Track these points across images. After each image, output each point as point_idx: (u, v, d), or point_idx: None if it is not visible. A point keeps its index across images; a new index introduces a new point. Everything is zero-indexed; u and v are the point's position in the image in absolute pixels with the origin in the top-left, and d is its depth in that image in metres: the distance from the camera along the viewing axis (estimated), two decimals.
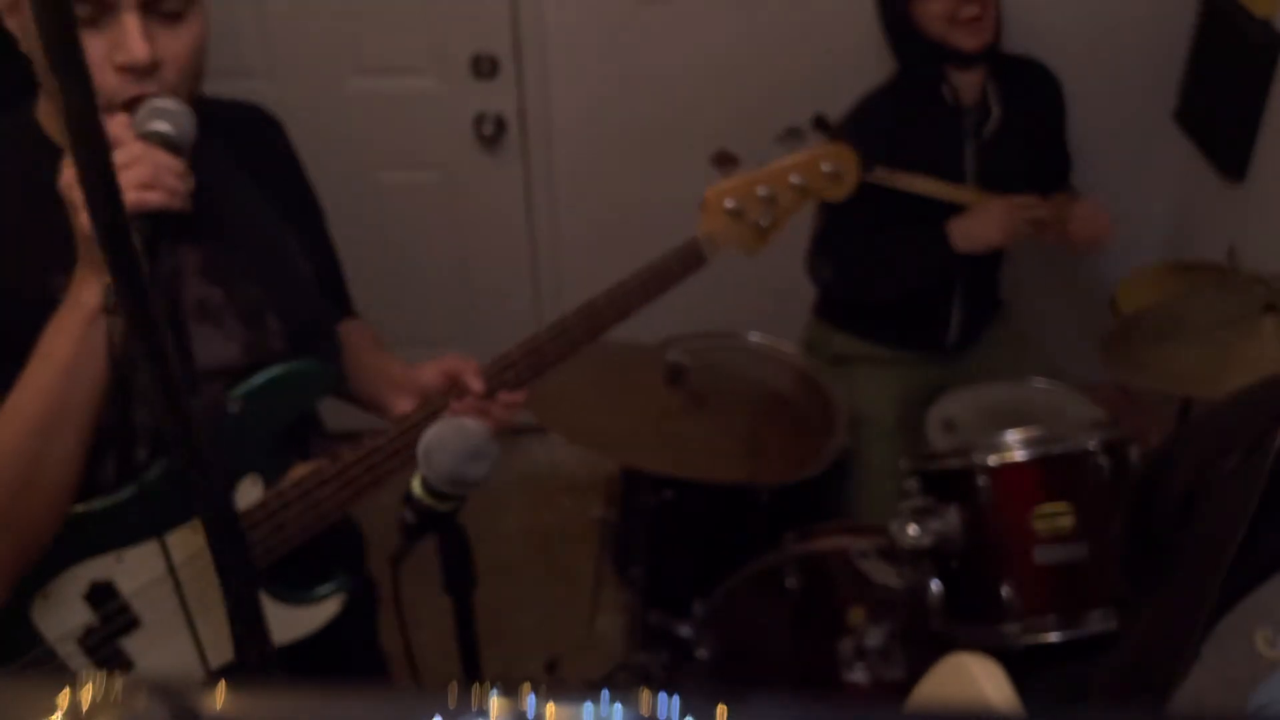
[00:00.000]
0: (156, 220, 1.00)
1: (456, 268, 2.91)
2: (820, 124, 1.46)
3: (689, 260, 1.40)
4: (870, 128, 2.20)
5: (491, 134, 2.71)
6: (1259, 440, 0.90)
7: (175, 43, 1.08)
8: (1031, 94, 2.28)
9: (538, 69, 2.64)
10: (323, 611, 1.27)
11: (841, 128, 2.22)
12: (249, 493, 1.20)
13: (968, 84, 2.16)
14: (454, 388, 1.29)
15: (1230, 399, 1.05)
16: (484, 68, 2.64)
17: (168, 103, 1.06)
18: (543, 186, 2.80)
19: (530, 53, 2.63)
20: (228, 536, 0.85)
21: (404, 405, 1.30)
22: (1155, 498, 1.05)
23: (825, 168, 1.45)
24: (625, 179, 2.78)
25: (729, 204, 1.41)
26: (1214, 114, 2.50)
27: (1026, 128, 2.24)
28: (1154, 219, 2.76)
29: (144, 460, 1.16)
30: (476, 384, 1.29)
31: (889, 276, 2.27)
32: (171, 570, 1.05)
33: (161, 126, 1.04)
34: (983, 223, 2.12)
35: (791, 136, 1.47)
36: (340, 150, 2.76)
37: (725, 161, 1.46)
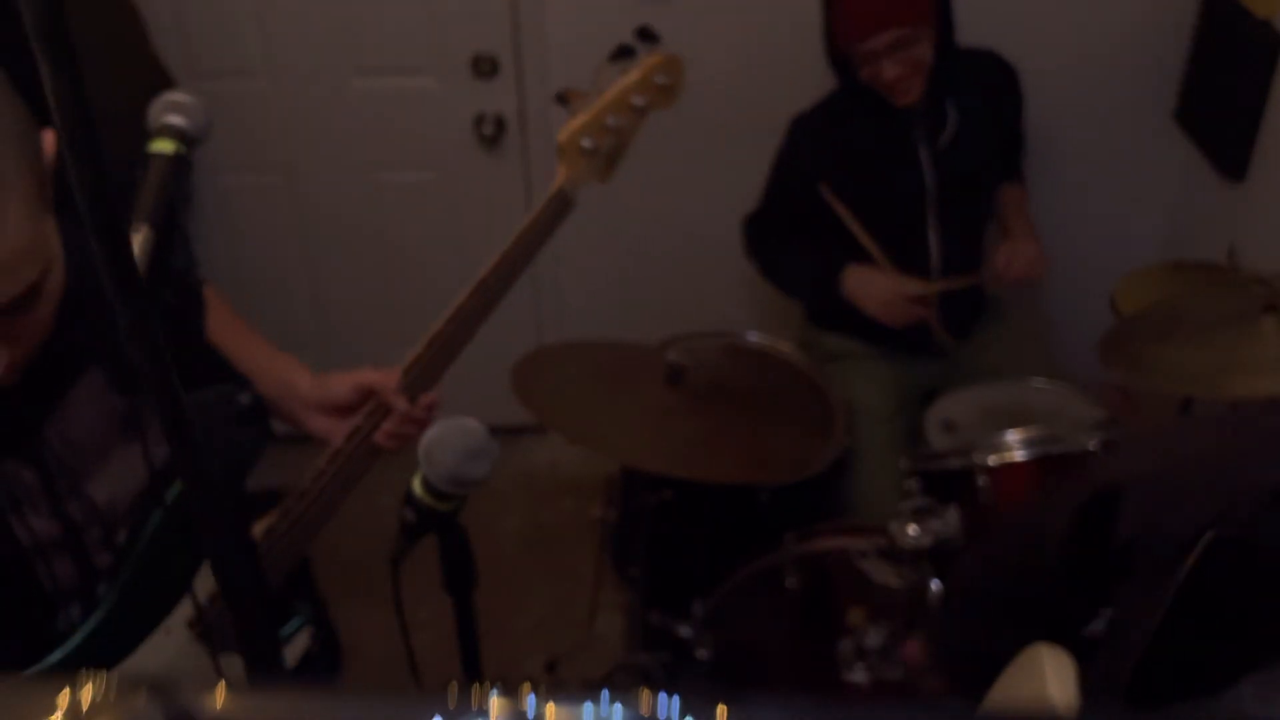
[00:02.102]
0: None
1: (456, 268, 2.90)
2: (645, 35, 1.43)
3: (562, 210, 1.38)
4: (823, 131, 2.24)
5: (491, 134, 2.71)
6: (1186, 541, 0.89)
7: (23, 331, 0.95)
8: (987, 90, 2.28)
9: (538, 69, 2.64)
10: (294, 649, 1.26)
11: (795, 128, 2.24)
12: (209, 576, 1.15)
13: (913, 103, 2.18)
14: (378, 410, 1.27)
15: (1186, 456, 1.05)
16: (484, 68, 2.64)
17: (181, 96, 1.05)
18: (543, 186, 2.80)
19: (530, 53, 2.63)
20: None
21: (318, 423, 1.28)
22: (1101, 526, 1.05)
23: (660, 80, 1.44)
24: (625, 178, 2.78)
25: (586, 143, 1.39)
26: (1214, 114, 2.50)
27: (984, 126, 2.25)
28: (1154, 219, 2.76)
29: (104, 594, 1.12)
30: (400, 402, 1.26)
31: (783, 281, 2.39)
32: (197, 606, 1.03)
33: (176, 120, 1.04)
34: (869, 291, 2.20)
35: (623, 55, 1.45)
36: (340, 150, 2.76)
37: (569, 99, 1.43)
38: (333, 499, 1.23)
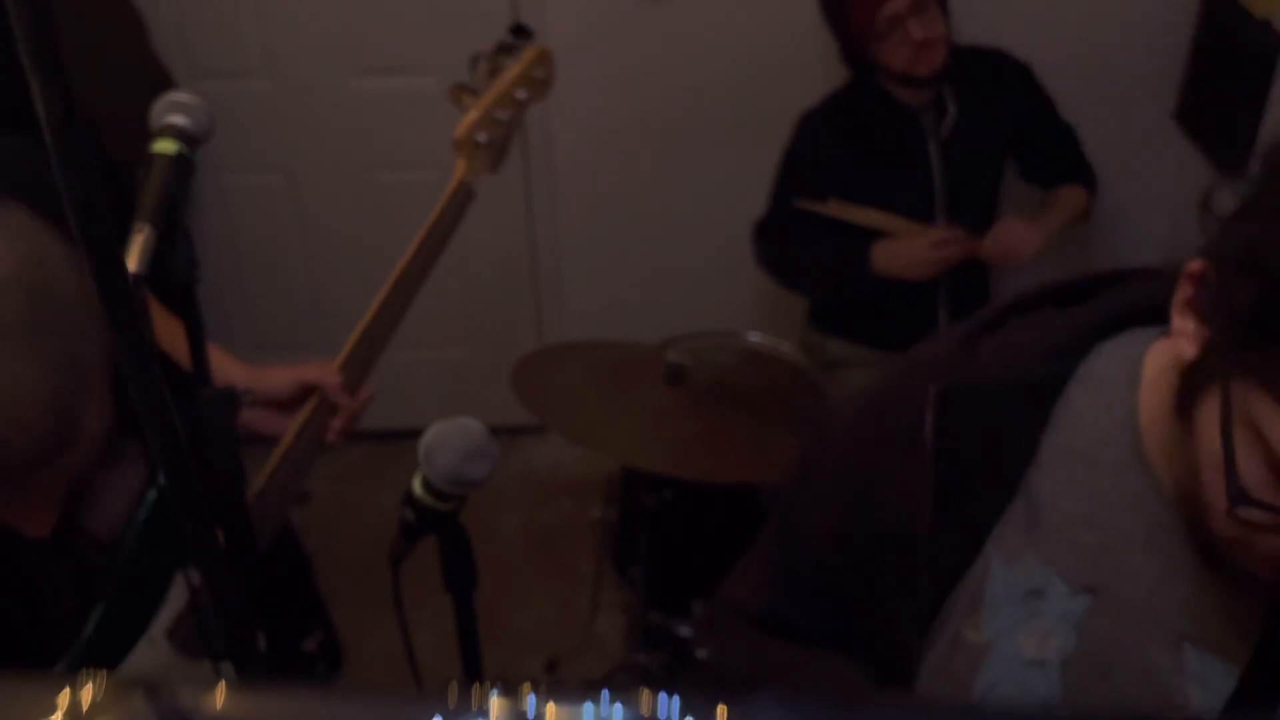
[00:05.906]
0: None
1: (456, 268, 2.91)
2: (520, 31, 1.48)
3: (465, 202, 1.42)
4: (835, 126, 2.22)
5: None
6: (909, 437, 0.88)
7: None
8: (991, 85, 2.26)
9: None
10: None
11: (804, 124, 2.24)
12: (182, 590, 1.14)
13: (918, 93, 2.18)
14: (321, 406, 1.26)
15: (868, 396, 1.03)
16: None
17: (183, 96, 1.05)
18: (543, 186, 2.80)
19: None
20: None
21: (247, 416, 1.26)
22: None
23: (537, 73, 1.48)
24: (625, 179, 2.78)
25: (481, 137, 1.43)
26: (1214, 114, 2.50)
27: (989, 121, 2.24)
28: (1154, 219, 2.76)
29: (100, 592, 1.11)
30: (345, 399, 1.27)
31: (809, 279, 2.34)
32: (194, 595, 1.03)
33: (179, 120, 1.03)
34: (904, 256, 2.16)
35: (503, 51, 1.48)
36: (340, 150, 2.76)
37: (460, 97, 1.46)
38: (285, 499, 1.22)
